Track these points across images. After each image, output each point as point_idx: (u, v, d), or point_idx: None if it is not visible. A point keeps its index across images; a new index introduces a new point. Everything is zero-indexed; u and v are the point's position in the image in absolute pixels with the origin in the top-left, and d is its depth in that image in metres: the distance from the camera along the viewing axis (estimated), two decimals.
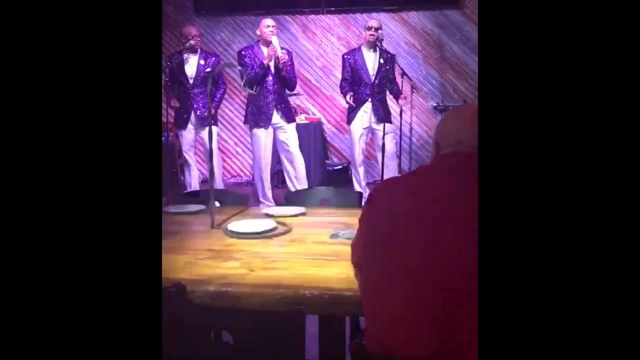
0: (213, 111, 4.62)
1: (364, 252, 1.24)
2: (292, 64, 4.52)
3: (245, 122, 4.71)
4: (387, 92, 4.73)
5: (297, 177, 4.60)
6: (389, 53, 4.73)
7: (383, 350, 1.10)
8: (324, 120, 6.38)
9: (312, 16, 6.34)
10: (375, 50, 4.57)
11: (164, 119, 5.60)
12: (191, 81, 4.59)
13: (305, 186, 4.52)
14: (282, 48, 4.46)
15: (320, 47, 6.38)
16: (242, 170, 6.57)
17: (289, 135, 4.53)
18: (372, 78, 4.56)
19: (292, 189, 4.39)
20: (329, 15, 6.32)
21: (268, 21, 4.45)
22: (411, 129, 6.20)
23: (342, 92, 4.81)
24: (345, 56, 4.73)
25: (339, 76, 6.26)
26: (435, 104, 6.20)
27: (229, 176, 6.50)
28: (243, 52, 4.48)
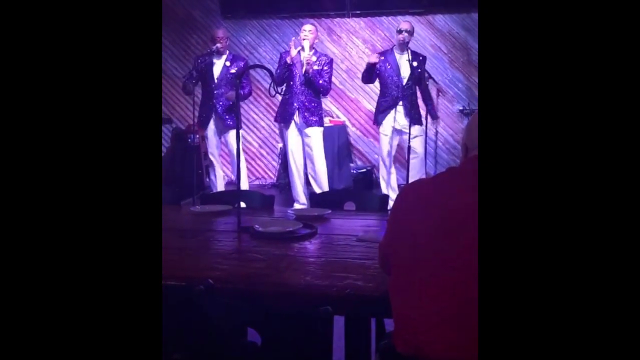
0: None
1: (392, 254, 1.24)
2: (330, 70, 4.58)
3: (274, 120, 4.94)
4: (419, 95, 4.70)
5: (316, 179, 4.66)
6: (421, 55, 4.70)
7: (412, 350, 1.09)
8: (348, 123, 6.38)
9: (338, 19, 6.35)
10: (405, 53, 4.54)
11: (190, 121, 5.68)
12: (216, 82, 4.68)
13: (326, 189, 4.55)
14: (322, 54, 4.59)
15: (345, 50, 6.38)
16: (266, 173, 6.60)
17: (311, 138, 4.61)
18: (404, 80, 4.53)
19: (314, 191, 4.46)
20: (354, 19, 6.32)
21: (307, 26, 4.59)
22: (436, 132, 6.15)
23: (363, 81, 4.80)
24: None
25: None
26: (461, 108, 6.15)
27: (253, 178, 6.54)
28: (282, 54, 4.65)
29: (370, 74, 4.60)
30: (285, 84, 4.56)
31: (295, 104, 4.53)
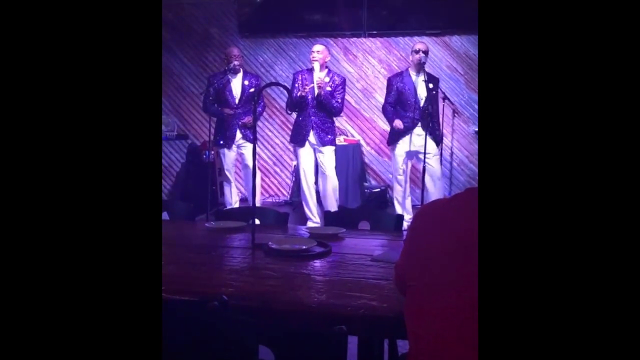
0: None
1: (408, 275, 1.22)
2: (342, 91, 4.62)
3: (289, 141, 4.97)
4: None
5: (328, 198, 4.68)
6: (434, 77, 4.71)
7: None
8: (362, 142, 6.38)
9: (354, 39, 6.39)
10: (421, 74, 4.55)
11: (206, 137, 5.72)
12: (237, 101, 4.72)
13: (335, 208, 4.55)
14: (335, 74, 4.63)
15: (361, 69, 6.41)
16: (279, 190, 6.61)
17: (324, 157, 4.65)
18: (422, 101, 4.53)
19: (324, 209, 4.49)
20: (370, 39, 6.36)
21: (316, 46, 4.63)
22: (452, 154, 6.13)
23: (386, 116, 4.76)
24: (393, 79, 4.68)
25: (379, 98, 6.31)
26: (476, 129, 6.13)
27: (267, 195, 6.55)
28: (295, 75, 4.68)
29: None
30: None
31: (308, 126, 4.57)
